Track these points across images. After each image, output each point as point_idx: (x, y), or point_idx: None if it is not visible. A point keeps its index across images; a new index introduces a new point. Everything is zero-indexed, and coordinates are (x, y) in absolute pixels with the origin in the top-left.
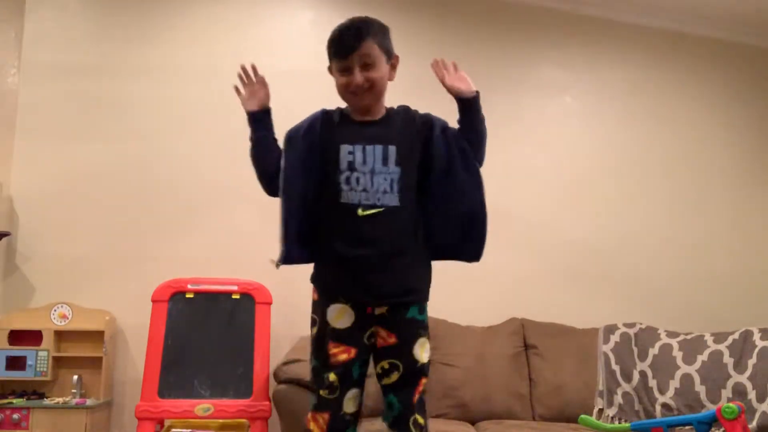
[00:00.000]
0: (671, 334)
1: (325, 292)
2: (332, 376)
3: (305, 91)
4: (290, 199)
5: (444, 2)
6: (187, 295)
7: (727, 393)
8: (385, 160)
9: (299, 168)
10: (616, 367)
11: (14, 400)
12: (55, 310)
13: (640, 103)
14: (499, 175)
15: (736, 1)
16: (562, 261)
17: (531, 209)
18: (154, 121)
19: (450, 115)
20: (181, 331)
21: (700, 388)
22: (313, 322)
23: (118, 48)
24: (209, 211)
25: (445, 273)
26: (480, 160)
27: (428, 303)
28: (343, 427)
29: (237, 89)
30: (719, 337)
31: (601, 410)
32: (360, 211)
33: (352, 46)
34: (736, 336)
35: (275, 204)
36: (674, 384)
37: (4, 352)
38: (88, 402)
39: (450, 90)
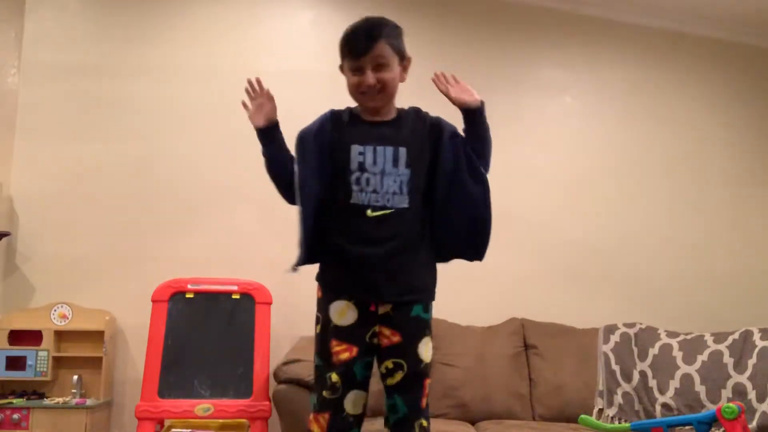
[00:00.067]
0: (671, 334)
1: (329, 289)
2: (334, 377)
3: (305, 91)
4: (306, 205)
5: (444, 2)
6: (187, 295)
7: (727, 393)
8: (395, 162)
9: (312, 173)
10: (616, 367)
11: (14, 400)
12: (55, 310)
13: (640, 103)
14: (499, 175)
15: (736, 1)
16: (562, 261)
17: (531, 209)
18: (154, 121)
19: (448, 113)
20: (181, 331)
21: (700, 388)
22: (317, 320)
23: (118, 48)
24: (209, 211)
25: (445, 273)
26: (486, 167)
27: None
28: (346, 428)
29: (244, 104)
30: (719, 337)
31: (601, 410)
32: (369, 212)
33: (366, 46)
34: (736, 336)
35: (275, 204)
36: (674, 384)
37: (4, 352)
38: (88, 402)
39: (455, 102)
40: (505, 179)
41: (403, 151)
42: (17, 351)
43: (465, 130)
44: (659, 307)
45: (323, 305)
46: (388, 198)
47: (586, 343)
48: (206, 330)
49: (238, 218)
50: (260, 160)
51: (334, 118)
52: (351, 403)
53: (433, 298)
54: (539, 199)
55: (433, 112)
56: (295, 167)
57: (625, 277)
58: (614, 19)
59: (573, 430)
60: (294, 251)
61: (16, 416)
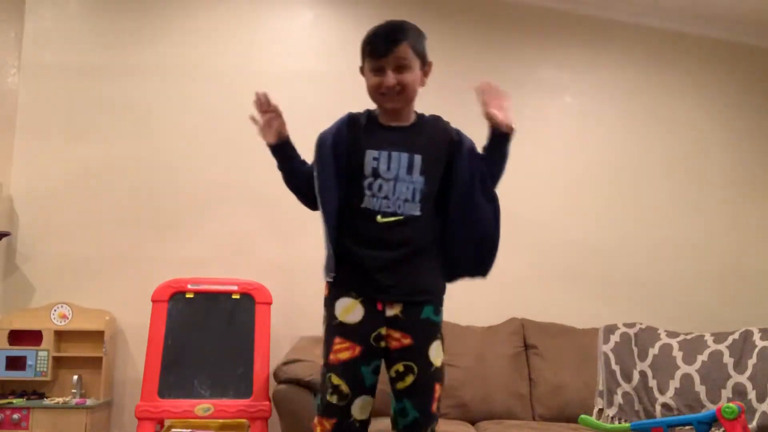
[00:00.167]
0: (671, 334)
1: (337, 286)
2: (335, 379)
3: (305, 91)
4: (329, 213)
5: (444, 2)
6: (187, 295)
7: (727, 393)
8: (409, 169)
9: (331, 179)
10: (616, 367)
11: (14, 400)
12: (55, 310)
13: (640, 104)
14: None
15: (736, 1)
16: (562, 261)
17: (531, 209)
18: (154, 121)
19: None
20: (181, 331)
21: (700, 388)
22: (324, 319)
23: (118, 48)
24: (209, 211)
25: None
26: (495, 187)
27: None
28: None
29: (253, 119)
30: (719, 337)
31: (601, 410)
32: (379, 218)
33: (388, 47)
34: (736, 336)
35: (275, 204)
36: (674, 384)
37: (4, 352)
38: (88, 402)
39: (487, 115)
40: (505, 179)
41: (418, 158)
42: (17, 351)
43: (486, 149)
44: (659, 307)
45: (329, 302)
46: (399, 205)
47: (586, 343)
48: (206, 330)
49: (238, 218)
50: (260, 161)
51: (351, 121)
52: (358, 408)
53: (442, 303)
54: (539, 199)
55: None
56: (315, 173)
57: (625, 277)
58: (614, 19)
59: (573, 430)
60: (293, 252)
61: (16, 416)
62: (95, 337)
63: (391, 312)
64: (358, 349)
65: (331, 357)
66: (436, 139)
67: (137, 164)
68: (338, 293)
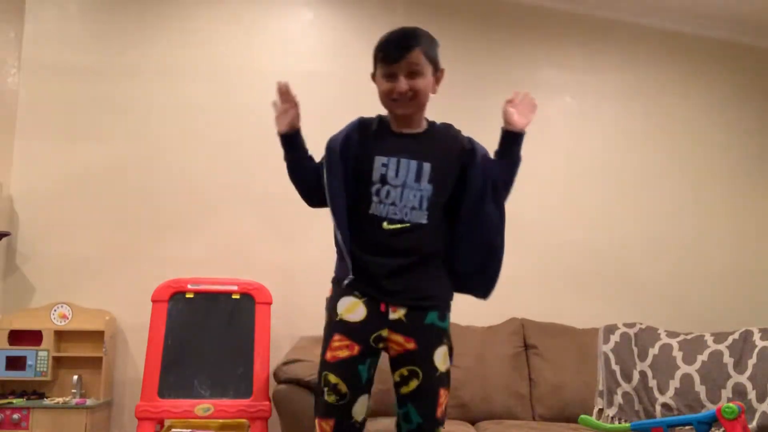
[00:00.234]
0: (671, 334)
1: (342, 287)
2: (333, 378)
3: (305, 91)
4: (340, 218)
5: (443, 3)
6: (187, 295)
7: (727, 393)
8: (418, 176)
9: (340, 183)
10: (616, 367)
11: (14, 400)
12: (55, 310)
13: (640, 104)
14: None
15: (736, 1)
16: (562, 261)
17: (531, 209)
18: (154, 121)
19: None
20: (181, 331)
21: (700, 388)
22: (326, 318)
23: (118, 48)
24: (209, 211)
25: None
26: (506, 196)
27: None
28: None
29: (274, 104)
30: (719, 337)
31: (601, 410)
32: (385, 225)
33: (401, 53)
34: (736, 336)
35: (275, 204)
36: (674, 384)
37: (4, 352)
38: (88, 402)
39: (505, 112)
40: None
41: (427, 166)
42: (17, 351)
43: (498, 152)
44: (659, 307)
45: (332, 300)
46: (406, 212)
47: (586, 343)
48: (206, 330)
49: (238, 218)
50: (260, 161)
51: (361, 126)
52: (358, 408)
53: (448, 309)
54: (539, 199)
55: (432, 116)
56: (324, 177)
57: (625, 277)
58: (614, 19)
59: (573, 430)
60: (293, 252)
61: (16, 416)
62: (95, 337)
63: (394, 315)
64: (356, 348)
65: (329, 354)
66: (447, 148)
67: (137, 164)
68: (342, 292)
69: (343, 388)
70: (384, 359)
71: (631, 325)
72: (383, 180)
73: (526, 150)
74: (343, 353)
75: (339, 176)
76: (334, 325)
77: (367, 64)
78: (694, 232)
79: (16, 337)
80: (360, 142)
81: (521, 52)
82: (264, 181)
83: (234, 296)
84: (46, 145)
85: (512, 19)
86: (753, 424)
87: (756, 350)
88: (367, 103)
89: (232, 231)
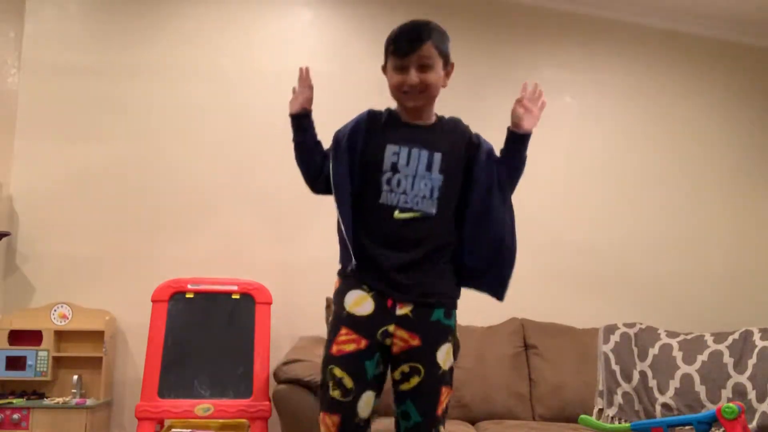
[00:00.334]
0: (671, 334)
1: (350, 280)
2: (338, 372)
3: None
4: (344, 205)
5: (444, 3)
6: (187, 295)
7: (727, 393)
8: (429, 166)
9: (346, 173)
10: (616, 367)
11: (14, 400)
12: (55, 310)
13: (640, 103)
14: None
15: (736, 1)
16: (562, 261)
17: (531, 209)
18: (154, 121)
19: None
20: (181, 331)
21: (700, 388)
22: (332, 311)
23: (118, 48)
24: (209, 211)
25: None
26: (510, 194)
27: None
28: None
29: (294, 89)
30: (719, 337)
31: (601, 410)
32: (396, 214)
33: (412, 45)
34: (736, 336)
35: (275, 204)
36: (674, 384)
37: (4, 352)
38: (88, 402)
39: (514, 113)
40: None
41: (438, 156)
42: (17, 351)
43: (504, 152)
44: (659, 307)
45: (339, 294)
46: (417, 201)
47: (586, 343)
48: (206, 330)
49: (238, 218)
50: (260, 161)
51: (370, 117)
52: (363, 405)
53: (455, 306)
54: (539, 199)
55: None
56: (330, 164)
57: (625, 277)
58: (614, 19)
59: (573, 430)
60: (293, 252)
61: (16, 416)
62: (95, 337)
63: (401, 311)
64: (364, 343)
65: (335, 348)
66: (456, 140)
67: (137, 164)
68: (350, 285)
69: (348, 382)
70: None
71: (631, 325)
72: (394, 168)
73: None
74: (350, 347)
75: (345, 163)
76: (342, 318)
77: (367, 64)
78: (694, 232)
79: (16, 337)
80: (370, 132)
81: (521, 52)
82: (264, 181)
83: (234, 296)
84: (46, 145)
85: (512, 19)
86: (753, 424)
87: (756, 350)
88: (368, 102)
89: (232, 231)
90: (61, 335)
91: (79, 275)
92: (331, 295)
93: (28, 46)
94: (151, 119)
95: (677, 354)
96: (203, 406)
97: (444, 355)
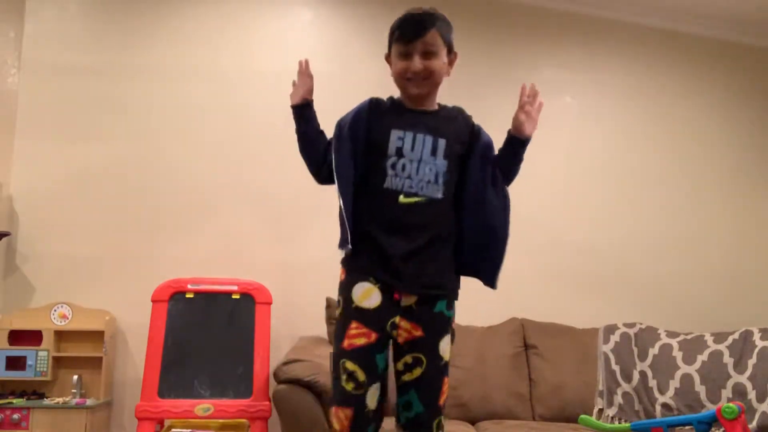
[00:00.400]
0: (671, 334)
1: (355, 270)
2: (350, 365)
3: None
4: (346, 190)
5: (443, 3)
6: (187, 295)
7: (727, 393)
8: (434, 151)
9: (348, 159)
10: (616, 367)
11: (14, 400)
12: (55, 310)
13: (640, 103)
14: None
15: (736, 1)
16: (562, 261)
17: (531, 209)
18: (154, 121)
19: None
20: (181, 331)
21: (700, 388)
22: (338, 304)
23: (118, 48)
24: (209, 211)
25: None
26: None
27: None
28: (366, 425)
29: (294, 82)
30: (719, 337)
31: (601, 410)
32: (401, 198)
33: (417, 31)
34: (736, 336)
35: (275, 204)
36: (674, 384)
37: (4, 352)
38: (88, 402)
39: (517, 117)
40: None
41: (442, 142)
42: (17, 351)
43: (503, 152)
44: (659, 307)
45: (346, 287)
46: (422, 186)
47: (586, 343)
48: (206, 330)
49: (238, 218)
50: (260, 161)
51: (372, 104)
52: (371, 396)
53: (456, 297)
54: (539, 199)
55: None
56: (332, 155)
57: (625, 277)
58: (614, 19)
59: (573, 430)
60: (293, 252)
61: (16, 416)
62: (95, 337)
63: (405, 302)
64: (374, 336)
65: (346, 342)
66: (459, 127)
67: (137, 164)
68: (356, 278)
69: (360, 375)
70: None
71: (631, 325)
72: (399, 153)
73: (527, 150)
74: (361, 341)
75: (347, 151)
76: (351, 312)
77: (367, 64)
78: (694, 232)
79: (16, 337)
80: (373, 118)
81: (521, 52)
82: (264, 181)
83: (234, 296)
84: (46, 145)
85: (512, 19)
86: (753, 424)
87: (756, 350)
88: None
89: (232, 231)
90: (61, 335)
91: (79, 275)
92: (331, 294)
93: (28, 46)
94: (151, 119)
95: (677, 354)
96: (203, 406)
97: (445, 347)
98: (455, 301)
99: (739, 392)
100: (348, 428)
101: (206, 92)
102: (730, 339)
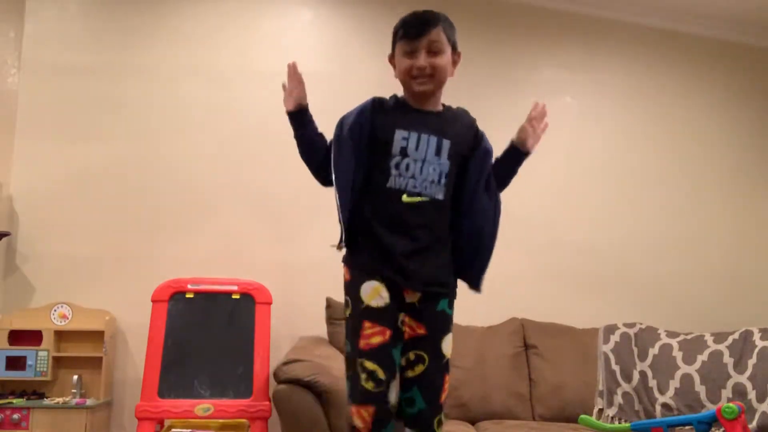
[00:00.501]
0: (671, 334)
1: (360, 270)
2: (370, 365)
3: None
4: (343, 189)
5: (443, 3)
6: (187, 295)
7: (727, 393)
8: (438, 151)
9: (346, 156)
10: (616, 367)
11: (14, 400)
12: (55, 310)
13: (640, 103)
14: None
15: (736, 1)
16: (562, 261)
17: (531, 209)
18: (154, 121)
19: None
20: (181, 331)
21: (700, 388)
22: (346, 304)
23: (118, 48)
24: (209, 211)
25: None
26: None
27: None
28: (388, 420)
29: (283, 86)
30: (719, 337)
31: (601, 410)
32: (404, 198)
33: (423, 29)
34: (736, 336)
35: (274, 204)
36: (674, 384)
37: (4, 352)
38: (88, 402)
39: (522, 136)
40: None
41: (447, 142)
42: (17, 351)
43: (502, 161)
44: (659, 307)
45: (353, 287)
46: (426, 186)
47: (586, 343)
48: (206, 330)
49: (238, 218)
50: (260, 160)
51: (375, 104)
52: (393, 392)
53: (455, 296)
54: (539, 199)
55: None
56: (332, 153)
57: (625, 277)
58: (614, 19)
59: (573, 430)
60: (293, 252)
61: (16, 416)
62: (95, 337)
63: (409, 299)
64: (388, 333)
65: (362, 342)
66: (463, 130)
67: (137, 164)
68: (362, 277)
69: (380, 374)
70: None
71: (631, 325)
72: (403, 152)
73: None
74: (377, 339)
75: (346, 148)
76: (362, 312)
77: (367, 64)
78: (695, 232)
79: (16, 337)
80: (376, 117)
81: (521, 52)
82: (264, 181)
83: (234, 296)
84: (46, 145)
85: (512, 19)
86: (753, 424)
87: (756, 350)
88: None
89: (232, 231)
90: (61, 335)
91: (79, 275)
92: (331, 294)
93: (28, 46)
94: (151, 119)
95: (677, 354)
96: (203, 406)
97: (447, 345)
98: (455, 300)
99: (739, 392)
100: (371, 425)
101: (206, 92)
102: (730, 339)
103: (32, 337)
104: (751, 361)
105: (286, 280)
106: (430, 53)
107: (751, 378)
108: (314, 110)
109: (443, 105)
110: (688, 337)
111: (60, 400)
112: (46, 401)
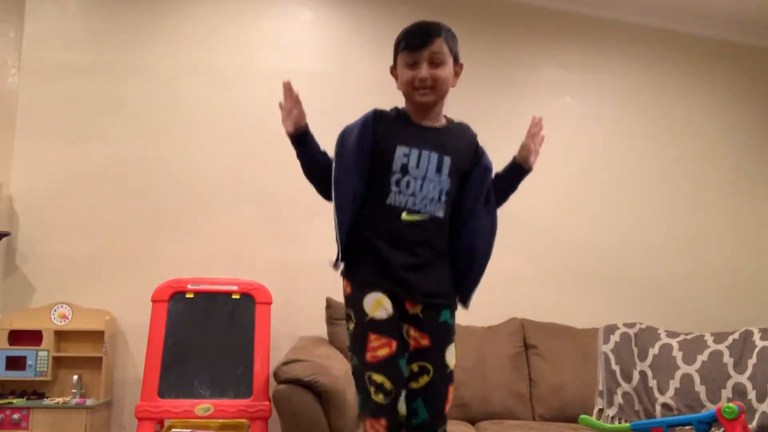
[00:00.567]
0: (671, 334)
1: (361, 283)
2: (378, 377)
3: (305, 91)
4: (343, 208)
5: (443, 3)
6: (187, 295)
7: (727, 393)
8: (438, 168)
9: (348, 170)
10: (616, 367)
11: (14, 400)
12: (55, 310)
13: (640, 103)
14: None
15: (736, 1)
16: (562, 261)
17: (531, 209)
18: (154, 121)
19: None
20: (181, 331)
21: (700, 388)
22: (348, 318)
23: (118, 48)
24: (209, 211)
25: None
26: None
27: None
28: (399, 430)
29: (280, 105)
30: (719, 337)
31: (601, 410)
32: (404, 215)
33: (424, 40)
34: (736, 336)
35: (275, 204)
36: (674, 384)
37: (4, 352)
38: (88, 402)
39: (526, 148)
40: None
41: (447, 159)
42: (17, 351)
43: (503, 176)
44: (659, 307)
45: (356, 300)
46: (426, 204)
47: (586, 343)
48: (206, 330)
49: (238, 218)
50: (260, 160)
51: (377, 117)
52: (401, 402)
53: (456, 307)
54: (539, 199)
55: None
56: (333, 167)
57: (625, 277)
58: (614, 19)
59: (573, 430)
60: (293, 252)
61: (16, 416)
62: (95, 337)
63: (412, 311)
64: (394, 344)
65: (369, 355)
66: (465, 146)
67: (137, 164)
68: (364, 290)
69: (388, 385)
70: None
71: (631, 325)
72: (404, 170)
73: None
74: (383, 352)
75: (348, 163)
76: (366, 325)
77: (367, 64)
78: (695, 232)
79: (16, 337)
80: (378, 132)
81: (521, 52)
82: (264, 181)
83: (234, 296)
84: (46, 145)
85: (512, 19)
86: (753, 424)
87: (756, 350)
88: (368, 102)
89: (232, 231)
90: (61, 335)
91: (79, 275)
92: (331, 294)
93: (28, 46)
94: (151, 119)
95: (677, 354)
96: (203, 406)
97: (451, 355)
98: (456, 311)
99: (739, 392)
100: None
101: (206, 92)
102: (730, 339)
103: (32, 337)
104: (751, 361)
105: (286, 280)
106: (432, 64)
107: (751, 378)
108: (314, 110)
109: (445, 118)
110: (688, 337)
111: (60, 400)
112: (46, 401)
